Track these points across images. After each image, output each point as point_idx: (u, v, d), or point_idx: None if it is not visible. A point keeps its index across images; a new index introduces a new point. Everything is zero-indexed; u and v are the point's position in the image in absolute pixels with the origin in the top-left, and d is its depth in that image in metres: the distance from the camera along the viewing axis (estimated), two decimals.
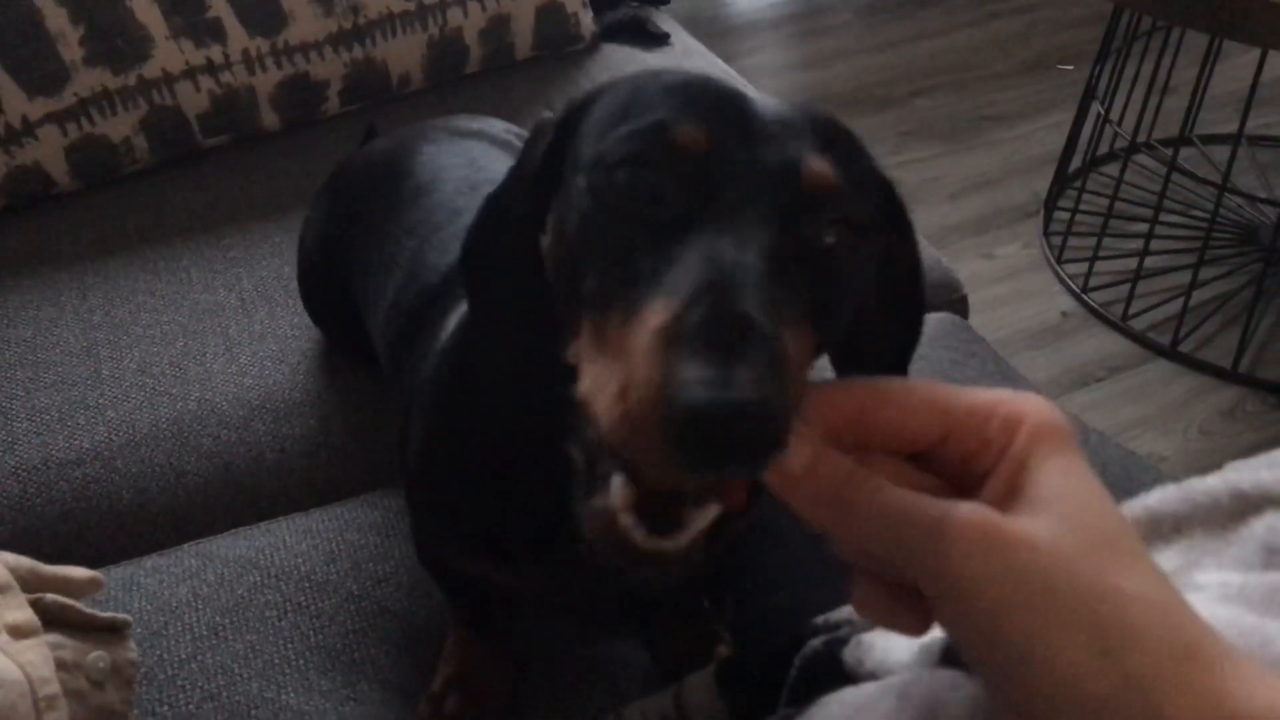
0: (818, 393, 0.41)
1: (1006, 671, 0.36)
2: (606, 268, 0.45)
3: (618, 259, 0.45)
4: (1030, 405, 0.40)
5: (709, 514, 0.44)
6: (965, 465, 0.40)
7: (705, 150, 0.45)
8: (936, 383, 0.41)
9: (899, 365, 0.57)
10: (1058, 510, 0.37)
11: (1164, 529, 0.53)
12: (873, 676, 0.53)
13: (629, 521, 0.43)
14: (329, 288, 1.10)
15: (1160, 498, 0.54)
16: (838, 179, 0.46)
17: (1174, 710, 0.34)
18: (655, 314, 0.41)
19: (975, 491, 0.39)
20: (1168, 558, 0.51)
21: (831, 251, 0.46)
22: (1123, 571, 0.36)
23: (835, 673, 0.57)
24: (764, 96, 0.50)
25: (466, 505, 0.73)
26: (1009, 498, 0.38)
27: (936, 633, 0.50)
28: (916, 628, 0.41)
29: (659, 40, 1.69)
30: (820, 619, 0.64)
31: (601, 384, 0.42)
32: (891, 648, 0.53)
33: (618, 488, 0.43)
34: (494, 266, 0.58)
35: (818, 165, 0.46)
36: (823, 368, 0.51)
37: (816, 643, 0.60)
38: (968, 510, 0.37)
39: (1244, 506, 0.52)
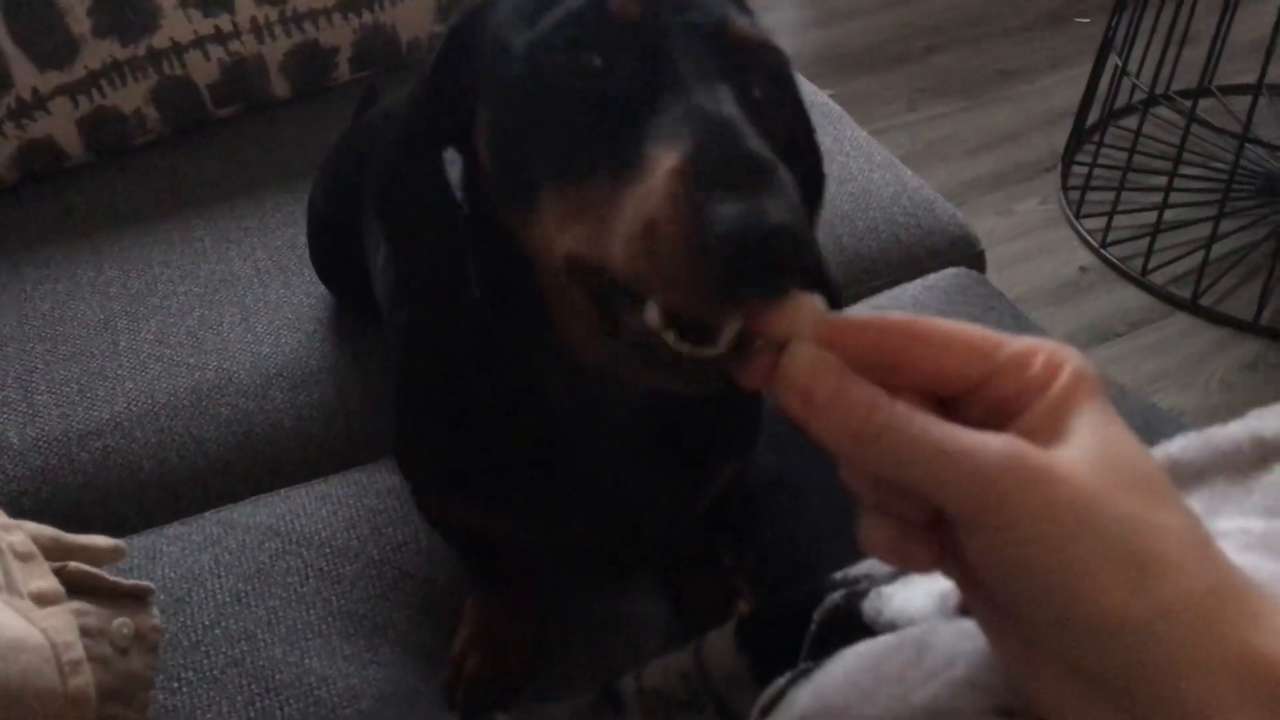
0: (848, 323, 0.41)
1: (1040, 602, 0.36)
2: (574, 139, 0.49)
3: (584, 129, 0.48)
4: (1069, 352, 0.40)
5: (737, 324, 0.44)
6: (996, 408, 0.40)
7: (639, 18, 0.49)
8: (973, 326, 0.41)
9: (811, 211, 0.62)
10: (1094, 449, 0.37)
11: (1185, 477, 0.53)
12: (891, 628, 0.53)
13: (671, 337, 0.45)
14: (338, 248, 1.10)
15: (1182, 446, 0.54)
16: (761, 36, 0.51)
17: (1205, 644, 0.34)
18: (667, 159, 0.43)
19: (1003, 431, 0.38)
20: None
21: (762, 104, 0.50)
22: (1159, 509, 0.36)
23: (855, 626, 0.57)
24: None
25: (447, 449, 0.74)
26: (1045, 435, 0.38)
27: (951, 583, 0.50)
28: (924, 564, 0.41)
29: None
30: (839, 574, 0.64)
31: (603, 232, 0.45)
32: (910, 599, 0.53)
33: (653, 309, 0.45)
34: (409, 189, 0.60)
35: (745, 24, 0.50)
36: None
37: (836, 596, 0.60)
38: (1006, 442, 0.36)
39: (1266, 453, 0.51)
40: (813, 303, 0.42)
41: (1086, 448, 0.37)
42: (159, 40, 1.33)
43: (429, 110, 0.58)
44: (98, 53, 1.31)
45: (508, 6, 0.55)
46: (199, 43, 1.36)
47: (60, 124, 1.33)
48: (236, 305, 1.18)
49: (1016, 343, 0.40)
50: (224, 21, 1.36)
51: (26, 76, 1.29)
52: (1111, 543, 0.35)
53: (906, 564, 0.42)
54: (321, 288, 1.19)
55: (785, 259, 0.40)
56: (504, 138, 0.54)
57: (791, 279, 0.41)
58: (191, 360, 1.13)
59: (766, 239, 0.40)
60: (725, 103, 0.46)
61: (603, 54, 0.49)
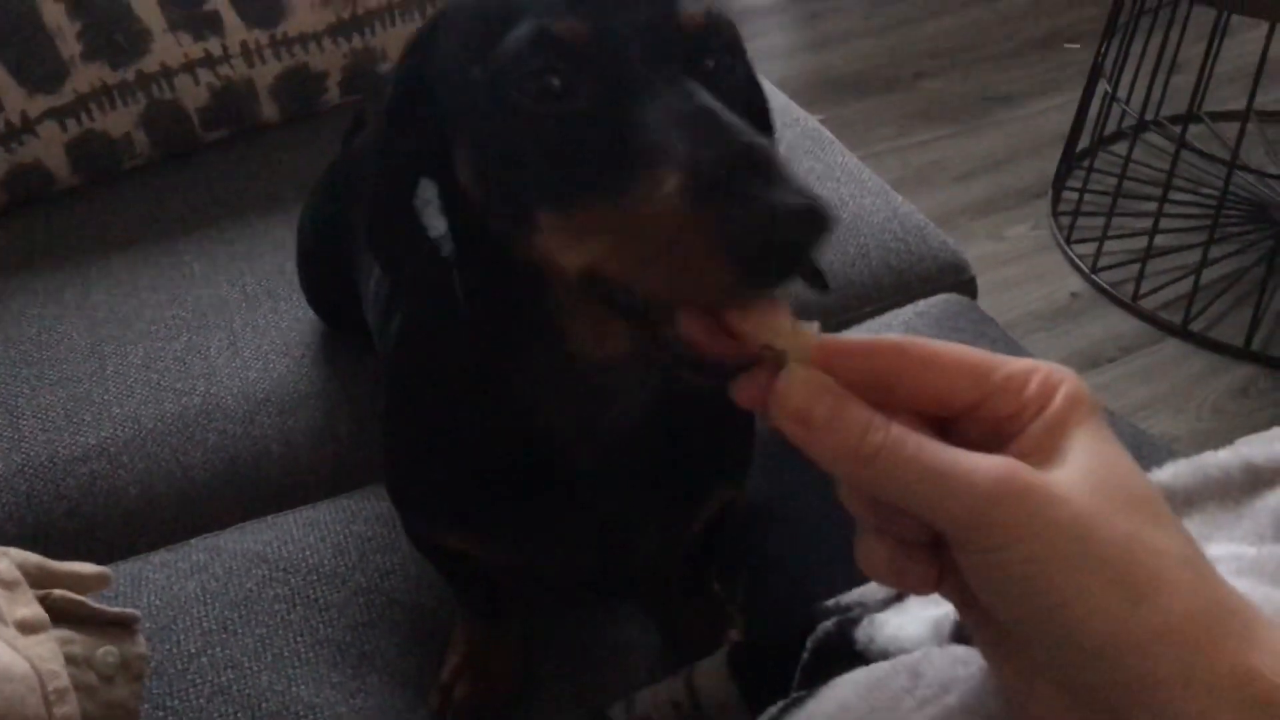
0: (844, 345, 0.41)
1: (1036, 621, 0.36)
2: (563, 164, 0.49)
3: (570, 153, 0.48)
4: (1066, 373, 0.40)
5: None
6: (994, 429, 0.40)
7: (589, 35, 0.48)
8: (969, 348, 0.41)
9: None
10: (1091, 470, 0.37)
11: (1177, 503, 0.53)
12: (884, 655, 0.53)
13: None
14: (328, 274, 1.10)
15: (1173, 473, 0.54)
16: (709, 14, 0.51)
17: (1200, 663, 0.34)
18: (669, 176, 0.43)
19: (1000, 452, 0.38)
20: None
21: (717, 72, 0.51)
22: (1154, 529, 0.36)
23: (848, 653, 0.56)
24: None
25: (437, 473, 0.74)
26: (1041, 456, 0.38)
27: (946, 609, 0.49)
28: (924, 584, 0.40)
29: None
30: (831, 601, 0.63)
31: (621, 254, 0.46)
32: (903, 625, 0.53)
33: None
34: (389, 224, 0.61)
35: (690, 9, 0.50)
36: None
37: (829, 624, 0.60)
38: (1001, 463, 0.36)
39: (1256, 480, 0.52)
40: (809, 326, 0.42)
41: (1082, 468, 0.37)
42: (148, 64, 1.33)
43: (391, 152, 0.58)
44: (87, 76, 1.31)
45: (453, 41, 0.55)
46: (189, 67, 1.36)
47: (49, 148, 1.33)
48: (224, 330, 1.18)
49: (1012, 364, 0.40)
50: (214, 45, 1.36)
51: (15, 100, 1.29)
52: (1107, 563, 0.35)
53: (905, 585, 0.41)
54: (310, 313, 1.18)
55: (807, 238, 0.41)
56: (490, 170, 0.54)
57: (816, 253, 0.42)
58: (179, 386, 1.12)
59: (787, 226, 0.40)
60: (700, 97, 0.47)
61: (564, 78, 0.49)
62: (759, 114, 0.62)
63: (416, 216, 0.60)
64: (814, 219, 0.41)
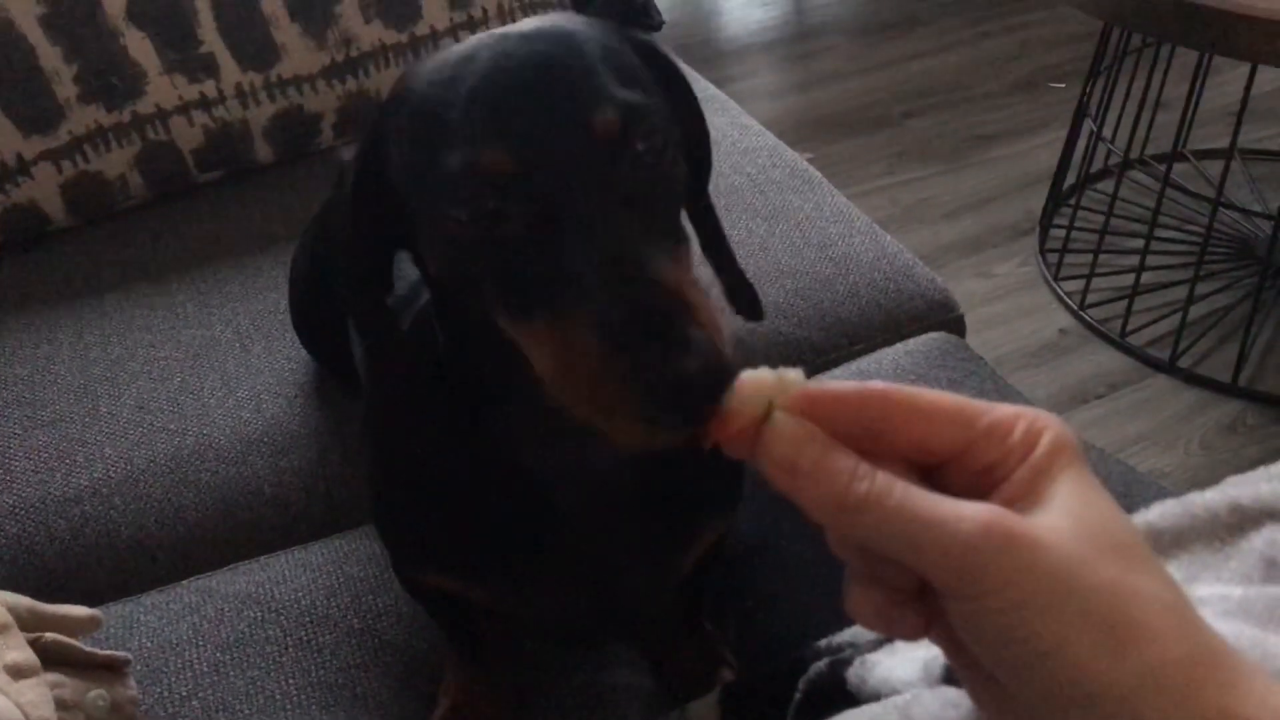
0: (829, 393, 0.41)
1: (1022, 669, 0.36)
2: (504, 277, 0.52)
3: (509, 269, 0.51)
4: (1050, 419, 0.40)
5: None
6: (979, 476, 0.40)
7: (512, 164, 0.50)
8: (954, 395, 0.41)
9: (700, 193, 0.66)
10: (1076, 516, 0.37)
11: (1164, 544, 0.53)
12: (876, 696, 0.53)
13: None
14: (320, 314, 1.10)
15: (1160, 513, 0.54)
16: (624, 108, 0.52)
17: (1184, 710, 0.34)
18: (583, 326, 0.47)
19: (985, 498, 0.39)
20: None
21: (648, 153, 0.53)
22: (1139, 575, 0.36)
23: (840, 694, 0.56)
24: (541, 36, 0.55)
25: (424, 516, 0.74)
26: (1025, 503, 0.38)
27: (936, 651, 0.50)
28: (912, 632, 0.41)
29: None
30: (823, 642, 0.64)
31: (555, 371, 0.50)
32: (894, 667, 0.53)
33: None
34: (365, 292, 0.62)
35: (604, 115, 0.51)
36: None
37: (821, 665, 0.60)
38: (987, 510, 0.37)
39: (1243, 520, 0.52)
40: (793, 372, 0.42)
41: (1066, 514, 0.37)
42: (144, 106, 1.34)
43: (361, 226, 0.60)
44: (83, 118, 1.32)
45: (398, 139, 0.57)
46: (184, 108, 1.37)
47: (43, 189, 1.33)
48: (218, 370, 1.18)
49: (997, 411, 0.41)
50: (209, 87, 1.37)
51: (10, 142, 1.30)
52: (1092, 609, 0.35)
53: (893, 631, 0.42)
54: (303, 353, 1.19)
55: (708, 394, 0.43)
56: (445, 272, 0.57)
57: (718, 401, 0.43)
58: (172, 426, 1.12)
59: (685, 391, 0.44)
60: (619, 238, 0.49)
61: (496, 201, 0.50)
62: (700, 141, 0.65)
63: (387, 288, 0.62)
64: (711, 382, 0.43)
